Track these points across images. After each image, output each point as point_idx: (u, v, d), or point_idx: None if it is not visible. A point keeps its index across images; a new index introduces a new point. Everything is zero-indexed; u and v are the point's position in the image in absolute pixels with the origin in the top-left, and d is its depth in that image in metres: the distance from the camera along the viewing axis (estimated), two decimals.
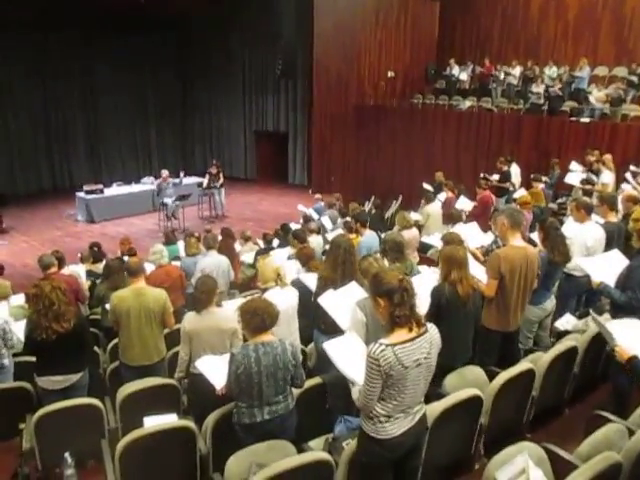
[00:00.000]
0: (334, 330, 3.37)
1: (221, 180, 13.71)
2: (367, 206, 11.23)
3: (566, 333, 4.16)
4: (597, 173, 8.69)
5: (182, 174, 13.71)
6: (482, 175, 9.80)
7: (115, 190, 14.19)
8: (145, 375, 3.99)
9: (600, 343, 3.75)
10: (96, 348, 5.02)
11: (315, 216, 9.37)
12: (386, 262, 4.32)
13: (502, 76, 13.84)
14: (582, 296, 5.07)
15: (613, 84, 11.98)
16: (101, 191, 13.59)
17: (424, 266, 5.23)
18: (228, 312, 3.92)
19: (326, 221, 8.72)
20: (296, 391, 3.23)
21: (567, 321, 4.28)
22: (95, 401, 3.61)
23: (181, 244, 7.95)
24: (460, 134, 13.01)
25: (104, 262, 7.01)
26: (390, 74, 15.12)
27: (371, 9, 14.55)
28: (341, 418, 3.26)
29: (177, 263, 6.70)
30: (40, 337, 3.70)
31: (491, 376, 3.39)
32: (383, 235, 5.47)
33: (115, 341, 4.60)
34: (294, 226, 8.68)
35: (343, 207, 9.90)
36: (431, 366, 2.48)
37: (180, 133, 19.35)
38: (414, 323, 2.41)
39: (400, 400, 2.41)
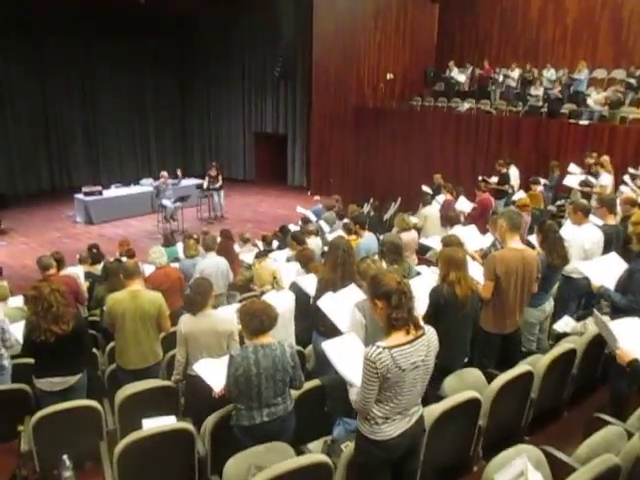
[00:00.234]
0: (333, 333, 3.37)
1: (220, 182, 13.72)
2: (366, 208, 11.23)
3: (565, 335, 4.16)
4: (596, 175, 8.70)
5: (180, 172, 13.64)
6: (481, 178, 9.82)
7: (114, 192, 14.19)
8: (141, 378, 3.97)
9: (599, 345, 3.76)
10: (95, 350, 5.01)
11: (313, 218, 9.38)
12: (384, 264, 4.33)
13: (501, 78, 13.87)
14: (581, 299, 5.07)
15: (612, 87, 12.03)
16: (100, 192, 13.59)
17: (423, 266, 5.23)
18: (224, 314, 3.92)
19: (323, 224, 8.72)
20: (295, 393, 3.23)
21: (566, 323, 4.28)
22: (93, 403, 3.60)
23: (180, 246, 7.94)
24: (459, 136, 13.03)
25: (102, 264, 7.02)
26: (389, 76, 15.15)
27: (370, 11, 14.57)
28: (340, 420, 3.26)
29: (176, 265, 6.69)
30: (39, 339, 3.70)
31: (490, 378, 3.39)
32: (381, 237, 5.47)
33: (113, 343, 4.59)
34: (293, 228, 8.68)
35: (342, 209, 9.90)
36: (428, 368, 2.48)
37: (179, 134, 19.35)
38: (412, 326, 2.41)
39: (397, 402, 2.41)
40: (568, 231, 4.94)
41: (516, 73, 13.51)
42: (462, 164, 12.76)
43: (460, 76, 14.59)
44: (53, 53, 15.42)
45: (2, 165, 15.26)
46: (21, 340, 4.00)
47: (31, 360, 3.98)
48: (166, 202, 12.42)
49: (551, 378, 3.54)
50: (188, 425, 3.17)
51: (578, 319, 4.38)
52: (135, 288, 4.27)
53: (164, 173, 12.97)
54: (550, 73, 13.01)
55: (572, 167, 9.41)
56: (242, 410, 3.02)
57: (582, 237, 4.83)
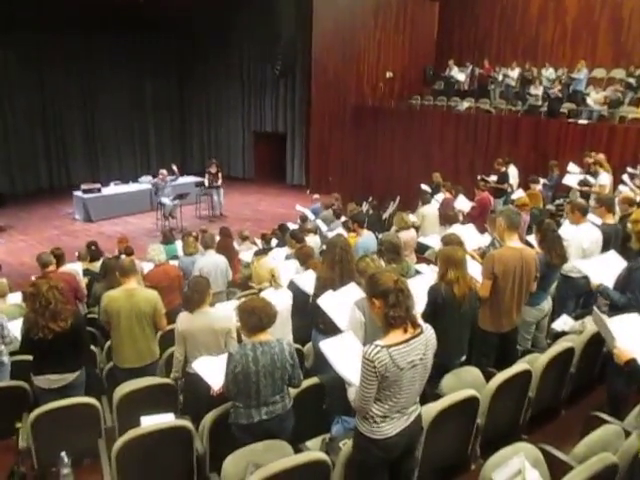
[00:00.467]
0: (333, 330, 3.38)
1: (220, 180, 13.68)
2: (364, 207, 11.23)
3: (563, 334, 4.16)
4: (595, 175, 8.70)
5: (175, 168, 13.24)
6: (480, 176, 9.82)
7: (113, 189, 14.16)
8: (137, 377, 3.95)
9: (597, 344, 3.77)
10: (93, 347, 5.01)
11: (311, 217, 9.38)
12: (382, 263, 4.33)
13: (500, 78, 13.87)
14: (580, 298, 5.08)
15: (611, 86, 12.02)
16: (99, 190, 13.57)
17: (423, 265, 5.23)
18: (222, 312, 3.92)
19: (320, 222, 8.73)
20: (293, 391, 3.23)
21: (564, 322, 4.29)
22: (92, 400, 3.60)
23: (179, 243, 7.95)
24: (458, 135, 13.04)
25: (101, 261, 7.02)
26: (389, 75, 15.15)
27: (370, 10, 14.57)
28: (338, 418, 3.26)
29: (175, 262, 6.69)
30: (37, 336, 3.70)
31: (488, 377, 3.39)
32: (380, 236, 5.48)
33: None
34: (292, 226, 8.69)
35: (342, 208, 9.91)
36: (427, 367, 2.49)
37: (178, 133, 19.32)
38: (409, 324, 2.41)
39: (396, 401, 2.42)
40: (566, 230, 4.95)
41: (515, 72, 13.51)
42: (461, 163, 12.76)
43: (460, 75, 14.58)
44: (52, 50, 15.36)
45: (1, 163, 15.23)
46: (19, 337, 4.00)
47: (29, 357, 3.98)
48: (165, 200, 12.41)
49: (549, 377, 3.54)
50: (186, 423, 3.17)
51: (576, 318, 4.39)
52: (131, 286, 4.26)
53: (163, 171, 12.95)
54: (549, 72, 13.02)
55: (571, 166, 9.42)
56: (240, 408, 3.02)
57: (580, 236, 4.84)
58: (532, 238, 4.94)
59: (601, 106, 11.48)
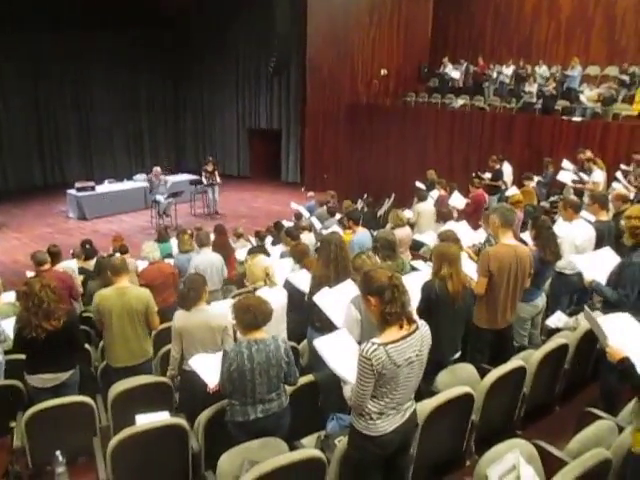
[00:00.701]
0: (329, 328, 3.37)
1: (218, 177, 13.62)
2: (359, 204, 11.23)
3: (557, 331, 4.18)
4: (588, 172, 8.73)
5: (159, 169, 13.07)
6: (474, 174, 9.83)
7: (107, 187, 14.11)
8: (130, 376, 3.93)
9: (591, 341, 3.78)
10: (88, 346, 4.99)
11: (306, 214, 9.38)
12: (378, 260, 4.33)
13: (495, 75, 13.89)
14: (574, 294, 5.10)
15: (605, 83, 12.07)
16: (93, 188, 13.51)
17: (420, 261, 5.23)
18: (218, 309, 3.91)
19: (315, 220, 8.73)
20: (288, 389, 3.23)
21: (558, 319, 4.31)
22: (86, 399, 3.59)
23: (174, 241, 7.92)
24: (453, 132, 13.05)
25: (96, 259, 7.00)
26: (383, 72, 15.13)
27: (365, 8, 14.54)
28: (333, 415, 3.26)
29: (170, 261, 6.68)
30: (30, 335, 3.67)
31: (483, 374, 3.40)
32: (375, 233, 5.48)
33: None
34: (287, 224, 8.68)
35: (337, 205, 9.91)
36: (422, 363, 2.49)
37: (173, 130, 19.27)
38: (405, 320, 2.41)
39: (392, 397, 2.42)
40: (560, 227, 4.97)
41: (510, 70, 13.54)
42: (456, 160, 12.78)
43: (454, 72, 14.59)
44: (46, 48, 15.27)
45: None
46: (12, 336, 3.98)
47: (23, 356, 3.95)
48: (159, 198, 12.38)
49: (543, 373, 3.56)
50: (181, 421, 3.17)
51: (570, 315, 4.41)
52: (122, 285, 4.24)
53: (157, 169, 12.91)
54: (543, 70, 13.05)
55: (565, 163, 9.45)
56: (236, 406, 3.02)
57: (573, 233, 4.85)
58: (526, 235, 4.96)
59: (595, 103, 11.51)
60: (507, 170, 10.30)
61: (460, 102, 13.73)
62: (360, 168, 14.90)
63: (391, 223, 6.41)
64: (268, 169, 17.93)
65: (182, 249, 6.62)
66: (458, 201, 8.47)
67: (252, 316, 2.98)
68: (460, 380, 3.32)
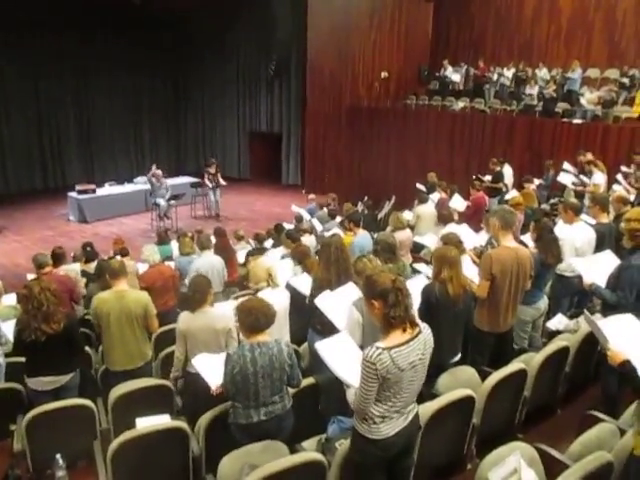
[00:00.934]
0: (330, 331, 3.37)
1: (221, 179, 13.61)
2: (359, 207, 11.23)
3: (558, 333, 4.17)
4: (589, 174, 8.73)
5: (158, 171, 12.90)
6: (475, 176, 9.83)
7: (108, 190, 14.10)
8: (129, 380, 3.92)
9: (592, 343, 3.78)
10: (88, 349, 4.99)
11: (307, 216, 9.38)
12: (379, 263, 4.32)
13: (495, 77, 13.90)
14: (574, 296, 5.10)
15: (605, 86, 12.07)
16: (93, 191, 13.50)
17: (422, 264, 5.22)
18: (222, 312, 3.91)
19: (316, 222, 8.73)
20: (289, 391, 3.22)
21: (559, 321, 4.30)
22: (87, 402, 3.58)
23: (174, 244, 7.92)
24: (453, 135, 13.06)
25: (96, 262, 7.00)
26: (384, 74, 15.15)
27: (365, 10, 14.57)
28: (334, 419, 3.25)
29: (170, 263, 6.67)
30: (29, 338, 3.67)
31: (484, 376, 3.40)
32: (375, 236, 5.48)
33: None
34: (287, 226, 8.68)
35: (337, 207, 9.91)
36: (425, 366, 2.49)
37: (174, 133, 19.26)
38: (408, 324, 2.40)
39: (395, 401, 2.41)
40: (560, 230, 4.96)
41: (510, 72, 13.55)
42: (456, 163, 12.78)
43: (454, 75, 14.61)
44: (47, 50, 15.27)
45: None
46: (12, 339, 3.97)
47: (23, 359, 3.95)
48: (160, 200, 12.38)
49: (544, 376, 3.55)
50: (182, 424, 3.16)
51: (571, 317, 4.40)
52: (121, 288, 4.23)
53: (158, 171, 12.90)
54: (543, 72, 13.06)
55: (566, 165, 9.45)
56: (239, 408, 3.01)
57: (573, 236, 4.85)
58: (526, 238, 4.95)
59: (595, 106, 11.52)
60: (508, 172, 10.29)
61: (460, 105, 13.74)
62: (361, 170, 14.91)
63: (391, 226, 6.40)
64: (269, 172, 17.94)
65: (183, 252, 6.62)
66: (458, 203, 8.47)
67: (255, 319, 2.97)
68: (461, 383, 3.31)
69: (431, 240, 6.39)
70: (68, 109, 16.46)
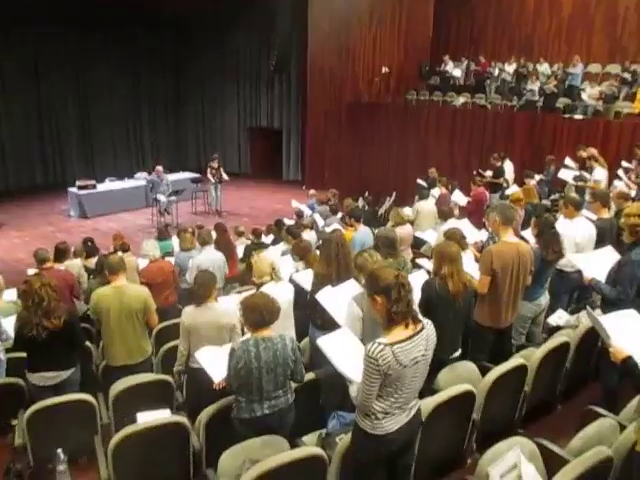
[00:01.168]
0: (331, 326, 3.37)
1: (223, 174, 13.58)
2: (360, 202, 11.22)
3: (558, 329, 4.17)
4: (590, 170, 8.71)
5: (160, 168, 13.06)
6: (476, 171, 9.82)
7: (108, 185, 14.10)
8: (129, 375, 3.92)
9: (592, 339, 3.78)
10: (89, 344, 4.99)
11: (307, 212, 9.37)
12: (379, 258, 4.32)
13: (496, 72, 13.86)
14: (574, 292, 5.09)
15: (606, 81, 12.03)
16: (94, 186, 13.50)
17: (424, 259, 5.20)
18: (227, 307, 3.91)
19: (317, 217, 8.72)
20: None
21: (559, 317, 4.31)
22: (88, 397, 3.59)
23: (175, 240, 7.92)
24: (454, 130, 13.03)
25: (97, 257, 7.00)
26: (384, 70, 15.10)
27: (366, 5, 14.52)
28: (334, 413, 3.26)
29: (170, 259, 6.67)
30: (30, 333, 3.67)
31: (484, 372, 3.40)
32: (376, 231, 5.47)
33: None
34: (288, 222, 8.68)
35: (338, 203, 9.90)
36: (427, 362, 2.48)
37: (174, 129, 19.23)
38: (410, 319, 2.40)
39: (397, 397, 2.41)
40: (561, 225, 4.96)
41: (511, 67, 13.50)
42: (457, 158, 12.76)
43: (455, 70, 14.56)
44: (48, 47, 15.24)
45: None
46: (13, 334, 3.98)
47: (24, 354, 3.95)
48: (160, 196, 12.37)
49: (545, 371, 3.55)
50: (182, 419, 3.17)
51: (571, 312, 4.41)
52: (120, 283, 4.23)
53: (159, 167, 12.91)
54: (544, 67, 13.02)
55: (568, 161, 9.42)
56: (242, 403, 3.02)
57: (573, 231, 4.84)
58: (527, 233, 4.95)
59: (596, 101, 11.48)
60: (508, 168, 10.28)
61: (461, 100, 13.70)
62: (361, 166, 14.89)
63: (392, 221, 6.40)
64: (269, 168, 17.92)
65: (184, 247, 6.61)
66: (459, 198, 8.47)
67: (259, 315, 2.98)
68: (461, 378, 3.32)
69: (432, 236, 6.38)
70: (68, 105, 16.41)
